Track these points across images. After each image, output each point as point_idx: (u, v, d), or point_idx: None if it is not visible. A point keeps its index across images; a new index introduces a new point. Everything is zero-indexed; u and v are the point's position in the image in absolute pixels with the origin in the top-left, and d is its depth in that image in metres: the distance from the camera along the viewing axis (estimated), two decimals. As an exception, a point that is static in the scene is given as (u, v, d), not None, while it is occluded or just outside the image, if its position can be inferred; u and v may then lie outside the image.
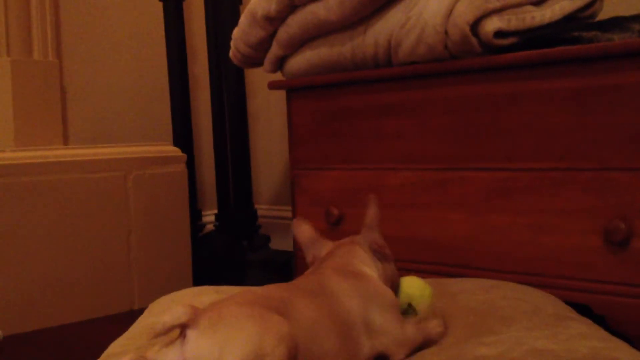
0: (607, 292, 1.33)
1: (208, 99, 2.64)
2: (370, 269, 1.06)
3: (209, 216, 2.74)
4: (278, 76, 2.01)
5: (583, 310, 1.25)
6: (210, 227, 2.69)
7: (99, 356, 1.12)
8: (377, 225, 1.13)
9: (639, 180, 1.29)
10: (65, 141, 2.37)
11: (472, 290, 1.25)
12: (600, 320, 1.25)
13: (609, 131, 1.33)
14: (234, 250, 2.41)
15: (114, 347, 1.16)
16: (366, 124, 1.76)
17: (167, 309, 1.35)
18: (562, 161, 1.39)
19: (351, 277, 1.01)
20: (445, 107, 1.58)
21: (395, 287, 1.11)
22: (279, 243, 2.60)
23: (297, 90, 1.91)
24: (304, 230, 1.19)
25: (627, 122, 1.30)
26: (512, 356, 0.91)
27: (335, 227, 1.84)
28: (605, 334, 1.03)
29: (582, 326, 1.05)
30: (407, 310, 1.11)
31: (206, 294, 1.40)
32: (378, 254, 1.10)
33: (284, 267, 2.31)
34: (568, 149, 1.39)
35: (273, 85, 1.96)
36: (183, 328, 0.84)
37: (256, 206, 2.63)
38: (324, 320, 0.91)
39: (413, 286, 1.14)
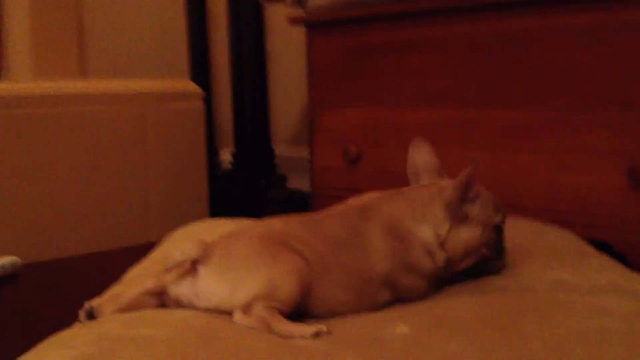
0: (628, 230, 1.31)
1: (226, 36, 2.60)
2: (427, 229, 0.92)
3: (227, 155, 2.74)
4: (299, 14, 1.97)
5: (604, 247, 1.23)
6: (227, 165, 2.69)
7: (117, 283, 1.13)
8: (465, 183, 0.92)
9: (666, 119, 1.26)
10: (83, 74, 2.36)
11: (491, 227, 1.24)
12: (621, 258, 1.24)
13: (635, 69, 1.29)
14: (251, 189, 2.41)
15: (133, 272, 1.17)
16: (388, 62, 1.73)
17: (184, 239, 1.36)
18: (587, 100, 1.36)
19: (394, 237, 0.91)
20: (468, 44, 1.55)
21: (470, 254, 0.94)
22: (296, 182, 2.60)
23: (318, 27, 1.88)
24: (421, 155, 1.02)
25: (657, 59, 1.27)
26: (531, 287, 0.91)
27: (353, 166, 1.83)
28: (625, 269, 1.02)
29: (602, 261, 1.04)
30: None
31: (223, 225, 1.41)
32: (453, 213, 0.93)
33: (302, 206, 2.31)
34: (593, 87, 1.35)
35: (294, 21, 1.92)
36: (194, 263, 0.84)
37: (274, 146, 2.61)
38: (343, 271, 0.87)
39: None
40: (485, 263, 0.96)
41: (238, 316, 0.80)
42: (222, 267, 0.84)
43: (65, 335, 0.80)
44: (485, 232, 0.94)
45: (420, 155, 1.02)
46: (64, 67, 2.25)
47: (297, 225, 0.91)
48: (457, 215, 0.92)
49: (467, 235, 0.93)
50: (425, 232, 0.92)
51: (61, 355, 0.72)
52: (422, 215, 0.93)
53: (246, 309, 0.80)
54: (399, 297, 0.92)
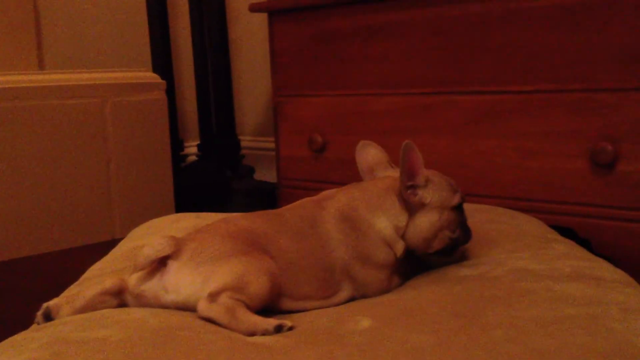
0: (592, 215, 1.32)
1: (188, 24, 2.55)
2: (384, 220, 0.92)
3: (192, 147, 2.70)
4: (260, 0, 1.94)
5: (568, 233, 1.24)
6: (193, 158, 2.65)
7: (76, 282, 1.11)
8: (410, 171, 0.92)
9: (626, 102, 1.26)
10: (41, 66, 2.30)
11: (456, 214, 1.23)
12: (585, 243, 1.25)
13: (599, 51, 1.29)
14: (217, 179, 2.38)
15: (92, 270, 1.15)
16: (351, 48, 1.71)
17: (148, 234, 1.34)
18: (550, 83, 1.36)
19: (349, 225, 0.92)
20: (432, 29, 1.54)
21: (433, 239, 0.94)
22: (263, 174, 2.58)
23: (280, 13, 1.85)
24: (368, 154, 1.02)
25: (618, 42, 1.27)
26: (493, 275, 0.91)
27: (319, 155, 1.82)
28: (589, 255, 1.02)
29: (565, 247, 1.04)
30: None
31: (187, 220, 1.38)
32: (407, 203, 0.93)
33: (268, 197, 2.29)
34: (556, 70, 1.35)
35: (255, 8, 1.89)
36: (163, 258, 0.83)
37: (240, 137, 2.58)
38: (305, 262, 0.88)
39: None
40: (455, 245, 0.96)
41: (203, 304, 0.78)
42: (194, 261, 0.82)
43: (17, 338, 0.78)
44: (443, 215, 0.94)
45: (368, 154, 1.02)
46: (21, 60, 2.19)
47: (261, 221, 0.92)
48: (412, 204, 0.93)
49: (426, 222, 0.93)
50: (382, 223, 0.92)
51: (10, 361, 0.69)
52: (377, 206, 0.93)
53: (213, 296, 0.78)
54: (361, 292, 0.91)
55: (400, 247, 0.92)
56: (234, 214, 1.00)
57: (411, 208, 0.93)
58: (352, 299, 0.91)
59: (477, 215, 1.24)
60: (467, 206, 1.23)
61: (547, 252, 1.00)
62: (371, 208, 0.93)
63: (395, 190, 0.93)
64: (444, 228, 0.94)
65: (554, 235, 1.14)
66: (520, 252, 1.00)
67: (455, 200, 0.95)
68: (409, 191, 0.92)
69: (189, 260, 0.83)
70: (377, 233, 0.92)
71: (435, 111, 1.55)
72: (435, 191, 0.94)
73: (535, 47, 1.38)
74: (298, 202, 0.98)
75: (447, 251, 0.96)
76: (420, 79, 1.58)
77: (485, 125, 1.47)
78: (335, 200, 0.95)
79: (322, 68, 1.78)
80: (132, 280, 0.85)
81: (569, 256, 0.97)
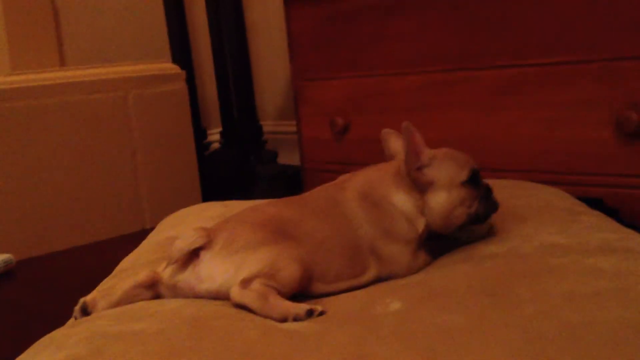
0: (619, 184, 1.30)
1: (204, 13, 2.56)
2: (403, 196, 0.94)
3: (215, 135, 2.72)
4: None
5: (595, 204, 1.23)
6: (216, 145, 2.67)
7: (110, 275, 1.13)
8: (411, 153, 0.93)
9: (652, 69, 1.24)
10: (62, 63, 2.32)
11: (481, 191, 1.23)
12: (613, 213, 1.23)
13: (621, 19, 1.27)
14: (241, 165, 2.40)
15: (125, 262, 1.17)
16: (369, 28, 1.70)
17: (177, 224, 1.36)
18: (572, 53, 1.34)
19: (370, 204, 0.93)
20: (450, 3, 1.52)
21: (449, 217, 0.94)
22: (286, 158, 2.59)
23: (295, -4, 1.84)
24: (389, 141, 1.02)
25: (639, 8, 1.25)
26: (522, 252, 0.90)
27: (341, 137, 1.82)
28: (617, 226, 1.01)
29: (593, 219, 1.03)
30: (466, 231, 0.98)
31: (214, 209, 1.40)
32: (418, 184, 0.94)
33: (293, 180, 2.30)
34: (578, 40, 1.33)
35: (270, -8, 1.89)
36: (196, 250, 0.85)
37: (262, 122, 2.59)
38: (333, 242, 0.89)
39: None
40: (477, 219, 0.96)
41: (236, 290, 0.80)
42: (227, 250, 0.84)
43: (56, 335, 0.80)
44: (452, 192, 0.94)
45: (390, 141, 1.03)
46: (42, 58, 2.21)
47: (286, 207, 0.94)
48: (421, 184, 0.93)
49: (437, 202, 0.93)
50: (401, 200, 0.94)
51: (51, 356, 0.71)
52: (394, 184, 0.95)
53: (245, 283, 0.80)
54: (388, 270, 0.92)
55: (421, 223, 0.93)
56: (260, 202, 1.02)
57: (422, 189, 0.94)
58: (378, 279, 0.92)
59: (503, 190, 1.23)
60: (491, 182, 1.22)
61: (575, 225, 0.99)
62: (388, 186, 0.95)
63: (402, 173, 0.94)
64: (457, 205, 0.94)
65: (581, 207, 1.13)
66: (548, 227, 0.99)
67: (464, 175, 0.94)
68: (416, 172, 0.93)
69: (222, 250, 0.84)
70: (397, 209, 0.93)
71: (457, 87, 1.54)
72: (441, 169, 0.94)
73: (556, 18, 1.36)
74: (318, 188, 1.00)
75: (470, 224, 0.96)
76: (440, 56, 1.57)
77: (508, 99, 1.45)
78: (354, 182, 0.97)
79: (340, 49, 1.78)
80: (166, 273, 0.87)
81: (598, 229, 0.97)
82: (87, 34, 2.43)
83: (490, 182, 1.23)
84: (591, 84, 1.33)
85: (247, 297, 0.79)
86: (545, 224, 1.01)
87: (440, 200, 0.93)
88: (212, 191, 2.23)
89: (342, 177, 1.01)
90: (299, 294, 0.84)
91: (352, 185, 0.96)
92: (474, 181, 0.95)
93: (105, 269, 1.17)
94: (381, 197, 0.94)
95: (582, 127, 1.35)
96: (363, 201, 0.93)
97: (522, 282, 0.79)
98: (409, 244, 0.93)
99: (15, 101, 1.76)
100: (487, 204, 0.97)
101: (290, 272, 0.82)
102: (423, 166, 0.93)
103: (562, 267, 0.81)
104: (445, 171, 0.94)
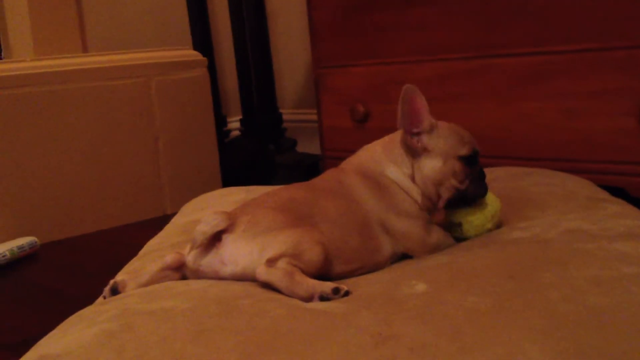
0: (642, 173, 1.30)
1: (225, 1, 2.56)
2: (394, 168, 0.96)
3: (234, 122, 2.73)
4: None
5: (618, 193, 1.23)
6: (235, 133, 2.68)
7: (135, 257, 1.14)
8: (414, 116, 0.95)
9: (678, 57, 1.23)
10: (85, 49, 2.34)
11: (504, 179, 1.23)
12: (636, 202, 1.23)
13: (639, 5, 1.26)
14: (261, 154, 2.41)
15: (150, 246, 1.18)
16: (389, 16, 1.70)
17: (199, 209, 1.37)
18: (594, 41, 1.34)
19: (370, 181, 0.97)
20: (472, -8, 1.52)
21: (439, 186, 0.96)
22: (305, 146, 2.59)
23: (317, -16, 1.85)
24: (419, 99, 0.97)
25: (667, -4, 1.24)
26: (547, 237, 0.91)
27: (361, 125, 1.82)
28: (641, 213, 1.01)
29: (617, 207, 1.03)
30: (455, 229, 0.99)
31: (236, 194, 1.41)
32: (411, 149, 0.96)
33: (312, 169, 2.31)
34: (600, 28, 1.33)
35: (292, -20, 1.89)
36: (218, 233, 0.86)
37: (281, 110, 2.60)
38: (345, 218, 0.91)
39: (471, 212, 0.97)
40: (464, 197, 0.97)
41: (262, 269, 0.81)
42: (250, 232, 0.85)
43: (86, 312, 0.81)
44: (448, 162, 0.95)
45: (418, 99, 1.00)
46: (65, 44, 2.23)
47: (298, 190, 0.96)
48: (415, 149, 0.96)
49: (429, 167, 0.96)
50: (393, 172, 0.97)
51: (83, 332, 0.73)
52: (384, 158, 0.98)
53: (271, 262, 0.81)
54: (402, 245, 0.95)
55: (416, 193, 0.96)
56: (275, 187, 1.04)
57: (413, 153, 0.96)
58: (395, 257, 0.95)
59: (526, 178, 1.24)
60: (514, 169, 1.23)
61: (599, 212, 0.99)
62: (380, 160, 0.98)
63: (396, 144, 0.98)
64: (449, 176, 0.95)
65: (604, 195, 1.13)
66: (572, 213, 1.00)
67: (464, 150, 0.96)
68: (413, 137, 0.95)
69: (244, 232, 0.85)
70: (393, 183, 0.97)
71: (477, 75, 1.54)
72: (440, 138, 0.96)
73: (577, 6, 1.35)
74: (323, 173, 1.04)
75: (457, 203, 0.97)
76: (460, 44, 1.56)
77: (529, 88, 1.45)
78: (350, 162, 1.01)
79: (361, 37, 1.78)
80: (190, 257, 0.88)
81: (622, 215, 0.97)
82: (109, 20, 2.45)
83: (511, 169, 1.23)
84: (612, 73, 1.32)
85: (273, 275, 0.80)
86: (569, 211, 1.01)
87: (433, 166, 0.96)
88: (231, 179, 2.24)
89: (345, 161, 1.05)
90: (322, 276, 0.85)
91: (350, 165, 1.01)
92: (472, 161, 0.97)
93: (127, 253, 1.19)
94: (378, 173, 0.97)
95: (604, 116, 1.34)
96: (363, 178, 0.97)
97: (547, 267, 0.79)
98: (415, 217, 0.95)
99: (39, 86, 1.78)
100: (478, 185, 0.98)
101: (314, 253, 0.84)
102: (422, 132, 0.95)
103: (587, 252, 0.81)
104: (445, 140, 0.96)
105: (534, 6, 1.41)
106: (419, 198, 0.96)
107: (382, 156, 0.99)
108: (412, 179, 0.96)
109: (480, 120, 1.54)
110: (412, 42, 1.67)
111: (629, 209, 1.03)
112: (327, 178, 1.01)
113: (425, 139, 0.95)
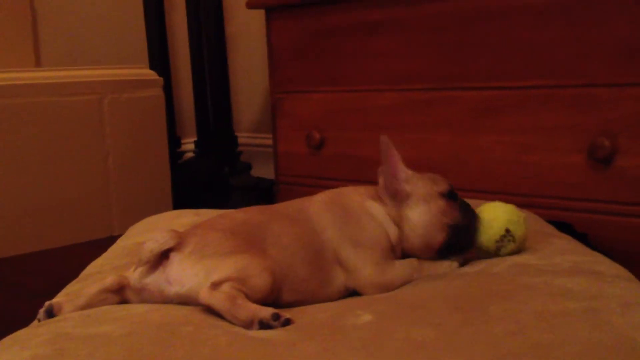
0: (589, 210, 1.32)
1: (184, 21, 2.55)
2: (376, 205, 0.96)
3: (189, 144, 2.70)
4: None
5: (565, 228, 1.24)
6: (189, 154, 2.65)
7: (76, 279, 1.11)
8: (389, 165, 0.96)
9: (624, 97, 1.27)
10: (38, 63, 2.29)
11: (454, 210, 1.23)
12: (582, 238, 1.25)
13: (596, 46, 1.30)
14: (215, 175, 2.38)
15: (91, 267, 1.15)
16: (350, 45, 1.71)
17: (146, 231, 1.34)
18: (548, 78, 1.37)
19: (338, 208, 0.95)
20: (431, 24, 1.54)
21: (432, 229, 0.95)
22: (260, 170, 2.58)
23: (277, 9, 1.85)
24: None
25: (615, 37, 1.27)
26: (494, 271, 0.91)
27: (317, 151, 1.82)
28: (587, 249, 1.02)
29: (564, 242, 1.04)
30: (505, 237, 0.96)
31: (185, 217, 1.38)
32: (395, 197, 0.96)
33: (266, 193, 2.29)
34: (554, 65, 1.36)
35: (252, 4, 1.89)
36: (166, 251, 0.84)
37: (237, 134, 2.58)
38: (297, 246, 0.90)
39: (508, 211, 0.97)
40: (461, 235, 0.95)
41: (205, 292, 0.79)
42: (198, 254, 0.83)
43: (20, 334, 0.78)
44: (432, 203, 0.95)
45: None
46: (18, 57, 2.18)
47: (254, 213, 0.95)
48: (399, 196, 0.96)
49: (417, 213, 0.95)
50: (374, 207, 0.96)
51: (14, 356, 0.69)
52: (367, 194, 0.98)
53: (215, 285, 0.79)
54: (354, 280, 0.92)
55: (393, 231, 0.95)
56: (228, 210, 1.02)
57: (396, 200, 0.96)
58: (347, 291, 0.92)
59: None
60: (467, 202, 1.22)
61: (547, 247, 1.00)
62: (361, 195, 0.98)
63: (382, 184, 0.97)
64: (438, 214, 0.95)
65: (552, 230, 1.15)
66: (520, 247, 1.00)
67: (443, 187, 0.97)
68: (394, 186, 0.95)
69: (192, 254, 0.83)
70: (368, 214, 0.95)
71: (435, 107, 1.56)
72: (418, 182, 0.97)
73: (533, 43, 1.38)
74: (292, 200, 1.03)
75: (455, 244, 0.96)
76: (419, 75, 1.58)
77: (484, 121, 1.47)
78: (322, 193, 1.00)
79: (320, 64, 1.78)
80: (135, 274, 0.86)
81: (568, 251, 0.98)
82: (65, 36, 2.40)
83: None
84: (565, 110, 1.35)
85: (215, 298, 0.78)
86: (517, 244, 1.01)
87: (422, 211, 0.95)
88: (184, 200, 2.21)
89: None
90: (270, 304, 0.83)
91: (321, 195, 0.99)
92: (452, 195, 0.97)
93: (71, 273, 1.15)
94: (353, 202, 0.96)
95: (555, 152, 1.37)
96: (331, 206, 0.95)
97: (493, 300, 0.79)
98: (374, 250, 0.93)
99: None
100: (467, 213, 0.97)
101: (261, 280, 0.82)
102: (400, 179, 0.96)
103: (533, 287, 0.82)
104: (423, 183, 0.97)
105: (490, 42, 1.44)
106: (394, 237, 0.94)
107: (365, 193, 0.98)
108: (396, 223, 0.95)
109: (435, 152, 1.55)
110: (371, 71, 1.68)
111: (575, 244, 1.04)
112: (290, 204, 0.99)
113: (405, 185, 0.96)
